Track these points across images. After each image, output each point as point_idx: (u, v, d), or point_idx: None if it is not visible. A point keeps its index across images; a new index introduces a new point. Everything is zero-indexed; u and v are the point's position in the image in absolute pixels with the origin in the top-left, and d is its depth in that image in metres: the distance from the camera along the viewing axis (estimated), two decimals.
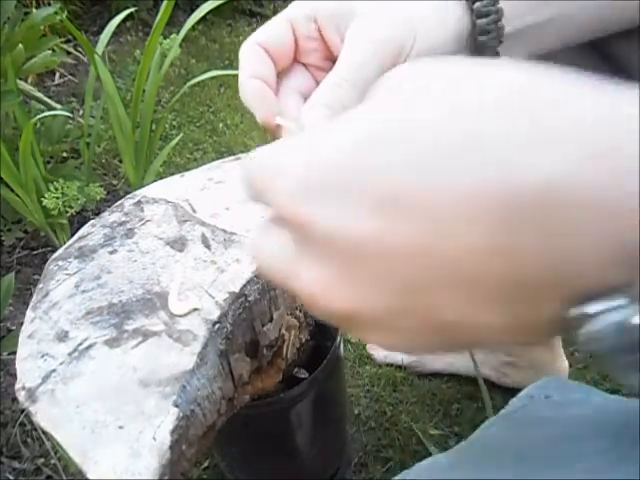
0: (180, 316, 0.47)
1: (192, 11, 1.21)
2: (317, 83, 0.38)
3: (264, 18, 2.15)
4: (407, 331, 0.21)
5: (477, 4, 0.35)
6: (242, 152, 0.49)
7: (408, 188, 0.19)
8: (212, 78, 1.17)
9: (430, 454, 0.82)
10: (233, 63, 1.90)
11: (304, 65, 0.38)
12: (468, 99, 0.20)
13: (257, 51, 0.36)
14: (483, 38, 0.36)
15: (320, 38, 0.36)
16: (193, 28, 1.27)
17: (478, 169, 0.18)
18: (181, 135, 1.35)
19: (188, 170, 0.66)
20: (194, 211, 0.58)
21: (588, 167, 0.17)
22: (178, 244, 0.54)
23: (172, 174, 0.66)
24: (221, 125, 1.61)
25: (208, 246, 0.53)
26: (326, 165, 0.20)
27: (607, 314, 0.18)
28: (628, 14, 0.41)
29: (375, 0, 0.35)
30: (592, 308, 0.18)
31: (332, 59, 0.37)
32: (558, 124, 0.18)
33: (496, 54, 0.37)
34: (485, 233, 0.18)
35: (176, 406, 0.42)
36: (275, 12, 2.24)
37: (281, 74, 0.37)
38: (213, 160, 0.68)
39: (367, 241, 0.19)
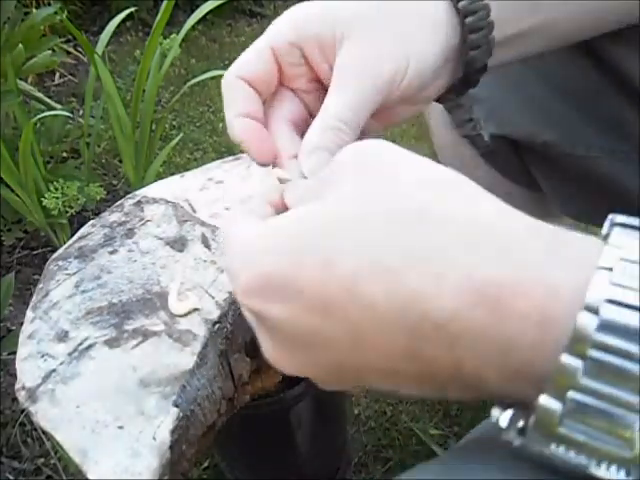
0: (180, 316, 0.47)
1: (192, 11, 1.21)
2: (305, 106, 0.37)
3: (264, 18, 2.15)
4: (343, 384, 0.28)
5: (469, 19, 0.34)
6: (242, 152, 0.49)
7: (339, 300, 0.23)
8: (212, 78, 1.17)
9: (430, 453, 0.82)
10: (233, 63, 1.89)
11: (290, 89, 0.37)
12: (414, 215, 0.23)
13: (240, 86, 0.34)
14: (474, 53, 0.35)
15: (306, 63, 0.35)
16: (193, 28, 1.27)
17: (396, 294, 0.22)
18: (181, 135, 1.35)
19: (188, 170, 0.66)
20: (194, 211, 0.58)
21: (479, 309, 0.21)
22: (178, 244, 0.54)
23: (172, 174, 0.66)
24: (221, 125, 1.61)
25: (208, 246, 0.53)
26: (269, 271, 0.24)
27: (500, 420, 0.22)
28: (619, 15, 0.41)
29: (359, 18, 0.33)
30: (493, 412, 0.22)
31: (319, 81, 0.36)
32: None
33: (484, 67, 0.36)
34: (399, 345, 0.22)
35: (176, 406, 0.42)
36: (275, 12, 2.24)
37: (267, 101, 0.36)
38: (213, 160, 0.68)
39: (303, 333, 0.24)
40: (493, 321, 0.21)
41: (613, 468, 0.19)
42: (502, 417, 0.22)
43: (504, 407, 0.22)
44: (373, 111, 0.33)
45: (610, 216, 0.22)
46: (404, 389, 0.25)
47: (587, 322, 0.19)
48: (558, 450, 0.20)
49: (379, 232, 0.23)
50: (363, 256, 0.22)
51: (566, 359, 0.19)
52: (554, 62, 0.52)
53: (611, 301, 0.19)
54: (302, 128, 0.35)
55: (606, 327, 0.19)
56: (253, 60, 0.35)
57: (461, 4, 0.34)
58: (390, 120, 0.38)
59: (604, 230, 0.21)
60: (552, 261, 0.21)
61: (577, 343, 0.19)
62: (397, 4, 0.34)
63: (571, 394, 0.19)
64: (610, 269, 0.19)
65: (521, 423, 0.21)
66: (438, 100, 0.39)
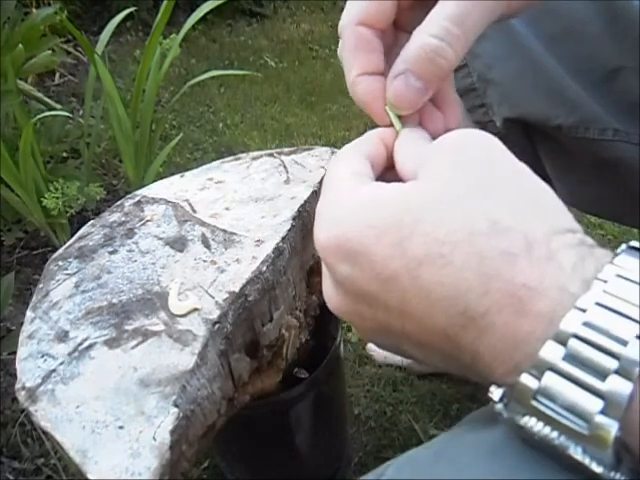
0: (180, 316, 0.47)
1: (192, 11, 1.21)
2: None
3: (264, 18, 2.15)
4: (381, 343, 0.31)
5: None
6: (242, 152, 0.49)
7: (400, 278, 0.26)
8: (212, 78, 1.17)
9: None
10: (233, 63, 1.90)
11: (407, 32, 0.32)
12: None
13: (360, 35, 0.31)
14: None
15: None
16: (193, 28, 1.27)
17: (450, 286, 0.25)
18: (181, 135, 1.35)
19: (188, 170, 0.66)
20: (194, 211, 0.58)
21: (506, 309, 0.24)
22: (178, 244, 0.54)
23: (172, 174, 0.66)
24: (221, 125, 1.61)
25: (208, 246, 0.53)
26: (349, 237, 0.27)
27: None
28: None
29: None
30: (491, 388, 0.25)
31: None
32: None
33: None
34: (439, 324, 0.26)
35: (176, 406, 0.42)
36: (275, 12, 2.24)
37: (387, 48, 0.32)
38: (213, 160, 0.68)
39: (362, 294, 0.27)
40: (514, 319, 0.24)
41: (572, 444, 0.22)
42: (495, 392, 0.25)
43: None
44: (487, 26, 0.30)
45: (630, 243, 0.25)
46: (431, 361, 0.28)
47: (574, 321, 0.23)
48: (530, 421, 0.23)
49: (453, 228, 0.25)
50: (432, 247, 0.25)
51: (550, 345, 0.23)
52: (569, 41, 0.51)
53: (599, 304, 0.22)
54: None
55: (589, 325, 0.22)
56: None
57: None
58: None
59: (619, 250, 0.25)
60: (575, 276, 0.24)
61: (561, 335, 0.23)
62: None
63: (548, 375, 0.23)
64: (605, 281, 0.23)
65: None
66: None
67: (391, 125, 0.32)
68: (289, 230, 0.53)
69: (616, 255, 0.24)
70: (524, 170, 0.27)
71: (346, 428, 0.84)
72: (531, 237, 0.25)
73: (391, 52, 0.32)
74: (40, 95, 1.32)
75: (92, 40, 1.64)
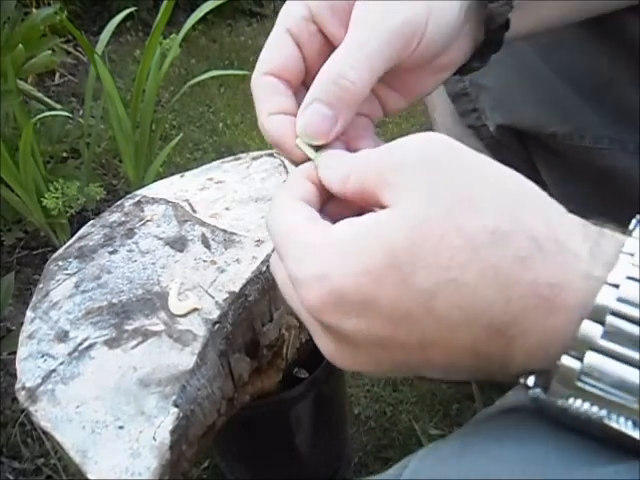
0: (180, 316, 0.47)
1: (192, 11, 1.21)
2: None
3: (264, 18, 2.15)
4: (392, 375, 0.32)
5: None
6: (242, 152, 0.49)
7: (415, 313, 0.25)
8: (212, 78, 1.17)
9: None
10: (233, 63, 1.89)
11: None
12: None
13: (268, 83, 0.32)
14: (494, 5, 0.33)
15: (323, 36, 0.33)
16: (193, 28, 1.27)
17: (468, 307, 0.24)
18: (181, 135, 1.35)
19: (188, 170, 0.66)
20: (194, 211, 0.58)
21: (537, 311, 0.24)
22: (178, 244, 0.54)
23: (172, 174, 0.66)
24: (221, 125, 1.61)
25: (208, 246, 0.53)
26: (346, 289, 0.25)
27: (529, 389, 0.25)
28: None
29: None
30: (520, 379, 0.25)
31: None
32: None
33: (507, 24, 0.34)
34: (464, 346, 0.25)
35: (176, 406, 0.42)
36: (275, 12, 2.24)
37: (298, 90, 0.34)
38: (213, 160, 0.68)
39: (375, 341, 0.26)
40: (546, 318, 0.24)
41: (622, 419, 0.22)
42: (529, 379, 0.25)
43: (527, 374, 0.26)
44: (386, 69, 0.31)
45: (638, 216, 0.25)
46: (455, 377, 0.28)
47: (608, 297, 0.23)
48: (575, 402, 0.23)
49: (454, 250, 0.24)
50: (440, 276, 0.24)
51: (587, 324, 0.23)
52: (564, 50, 0.51)
53: (630, 278, 0.23)
54: None
55: (623, 300, 0.23)
56: (275, 50, 0.33)
57: None
58: (413, 92, 0.35)
59: (631, 226, 0.25)
60: (595, 260, 0.24)
61: (597, 312, 0.23)
62: None
63: (589, 354, 0.23)
64: (632, 254, 0.23)
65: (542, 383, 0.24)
66: (460, 72, 0.37)
67: (307, 159, 0.32)
68: None
69: (632, 230, 0.24)
70: (497, 166, 0.27)
71: (346, 428, 0.84)
72: (535, 234, 0.24)
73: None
74: (40, 95, 1.32)
75: (92, 40, 1.64)
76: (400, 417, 0.92)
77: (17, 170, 1.03)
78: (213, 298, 0.48)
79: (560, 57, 0.52)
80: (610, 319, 0.22)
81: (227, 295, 0.48)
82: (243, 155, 0.66)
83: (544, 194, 0.26)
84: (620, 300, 0.22)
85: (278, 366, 0.57)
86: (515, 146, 0.58)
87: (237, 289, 0.49)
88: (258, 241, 0.53)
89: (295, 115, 0.32)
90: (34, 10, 1.49)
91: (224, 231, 0.55)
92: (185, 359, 0.44)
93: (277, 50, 0.33)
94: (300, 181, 0.31)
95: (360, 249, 0.25)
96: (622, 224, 0.26)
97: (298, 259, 0.26)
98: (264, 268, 0.50)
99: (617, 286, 0.23)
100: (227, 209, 0.57)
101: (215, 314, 0.47)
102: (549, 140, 0.54)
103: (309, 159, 0.32)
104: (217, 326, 0.47)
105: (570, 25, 0.45)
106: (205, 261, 0.52)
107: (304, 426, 0.69)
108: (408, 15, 0.30)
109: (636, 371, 0.22)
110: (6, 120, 1.12)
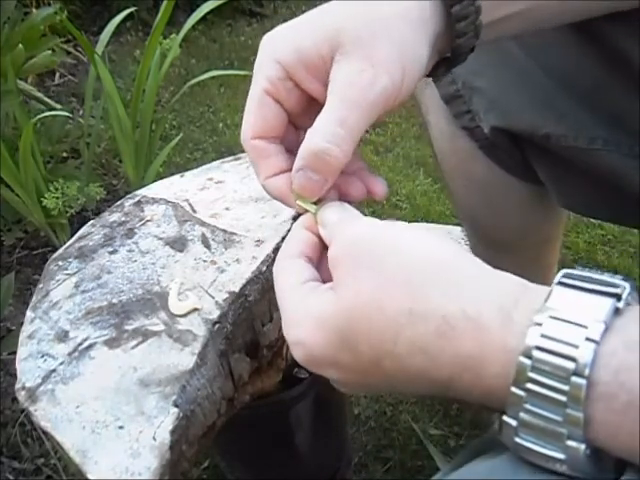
0: (180, 316, 0.47)
1: (192, 11, 1.21)
2: None
3: (264, 18, 2.15)
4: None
5: (455, 8, 0.33)
6: (242, 152, 0.49)
7: (370, 370, 0.30)
8: (212, 78, 1.17)
9: (430, 453, 0.82)
10: (233, 63, 1.90)
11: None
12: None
13: (258, 147, 0.35)
14: (461, 40, 0.35)
15: (302, 92, 0.35)
16: (193, 28, 1.27)
17: (405, 371, 0.29)
18: (181, 135, 1.35)
19: (188, 170, 0.66)
20: (194, 211, 0.58)
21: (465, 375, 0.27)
22: (178, 244, 0.54)
23: (172, 174, 0.66)
24: (221, 125, 1.61)
25: (208, 246, 0.53)
26: (317, 354, 0.31)
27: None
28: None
29: (345, 32, 0.32)
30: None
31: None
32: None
33: (472, 48, 0.36)
34: (422, 386, 0.29)
35: (176, 406, 0.42)
36: (275, 12, 2.24)
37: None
38: (213, 160, 0.68)
39: (353, 382, 0.32)
40: (478, 381, 0.27)
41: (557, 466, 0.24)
42: (496, 423, 0.27)
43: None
44: (368, 126, 0.34)
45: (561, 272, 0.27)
46: (421, 393, 0.32)
47: (525, 365, 0.25)
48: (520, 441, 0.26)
49: (383, 329, 0.28)
50: (378, 347, 0.28)
51: (514, 390, 0.25)
52: (557, 52, 0.51)
53: (539, 348, 0.24)
54: None
55: (537, 370, 0.25)
56: (258, 113, 0.35)
57: None
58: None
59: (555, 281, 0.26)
60: (507, 332, 0.26)
61: (519, 379, 0.25)
62: (379, 9, 0.33)
63: (521, 415, 0.25)
64: (540, 324, 0.25)
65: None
66: (428, 75, 0.39)
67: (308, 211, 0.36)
68: (289, 230, 0.53)
69: (549, 294, 0.26)
70: (417, 245, 0.30)
71: (346, 428, 0.84)
72: (445, 312, 0.27)
73: (298, 148, 0.35)
74: (40, 95, 1.32)
75: (92, 40, 1.64)
76: (400, 417, 0.92)
77: (17, 170, 1.03)
78: (213, 298, 0.48)
79: (551, 59, 0.52)
80: (529, 385, 0.25)
81: (227, 295, 0.48)
82: (243, 155, 0.66)
83: (465, 264, 0.29)
84: (534, 370, 0.25)
85: (278, 366, 0.57)
86: (509, 147, 0.58)
87: (237, 289, 0.49)
88: (258, 241, 0.53)
89: (290, 169, 0.35)
90: (34, 10, 1.49)
91: (224, 231, 0.55)
92: (185, 359, 0.44)
93: (260, 113, 0.35)
94: (301, 235, 0.35)
95: (322, 323, 0.30)
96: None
97: (286, 325, 0.32)
98: (264, 268, 0.50)
99: (530, 357, 0.25)
100: (227, 209, 0.57)
101: (215, 314, 0.47)
102: (544, 141, 0.54)
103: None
104: (217, 326, 0.47)
105: (558, 28, 0.45)
106: (205, 261, 0.52)
107: (304, 426, 0.69)
108: (385, 84, 0.32)
109: (557, 431, 0.24)
110: (6, 120, 1.12)
